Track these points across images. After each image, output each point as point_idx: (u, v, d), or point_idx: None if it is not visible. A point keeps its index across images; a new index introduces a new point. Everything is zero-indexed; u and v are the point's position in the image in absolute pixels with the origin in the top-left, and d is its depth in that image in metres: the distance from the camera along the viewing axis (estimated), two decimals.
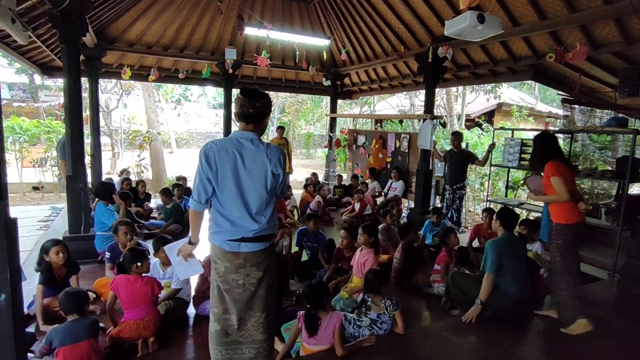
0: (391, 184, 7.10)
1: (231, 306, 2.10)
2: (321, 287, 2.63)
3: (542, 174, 3.03)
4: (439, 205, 6.39)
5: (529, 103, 14.75)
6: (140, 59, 7.92)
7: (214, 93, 24.35)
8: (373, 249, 3.53)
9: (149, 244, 3.83)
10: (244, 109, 2.04)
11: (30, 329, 2.95)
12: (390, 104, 16.74)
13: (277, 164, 2.07)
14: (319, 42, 7.16)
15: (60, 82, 11.75)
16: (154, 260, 3.37)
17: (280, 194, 2.22)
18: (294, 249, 4.39)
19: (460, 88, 12.84)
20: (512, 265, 3.05)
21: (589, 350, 2.69)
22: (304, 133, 22.37)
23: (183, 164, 15.01)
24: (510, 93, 15.52)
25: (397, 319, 2.79)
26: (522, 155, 5.37)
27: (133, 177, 8.71)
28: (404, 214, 6.93)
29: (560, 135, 5.57)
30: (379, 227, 4.56)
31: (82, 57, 5.52)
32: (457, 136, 6.09)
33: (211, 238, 2.10)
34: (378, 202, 7.15)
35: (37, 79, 14.69)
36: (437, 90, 7.54)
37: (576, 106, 6.05)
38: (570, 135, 5.70)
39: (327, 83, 9.23)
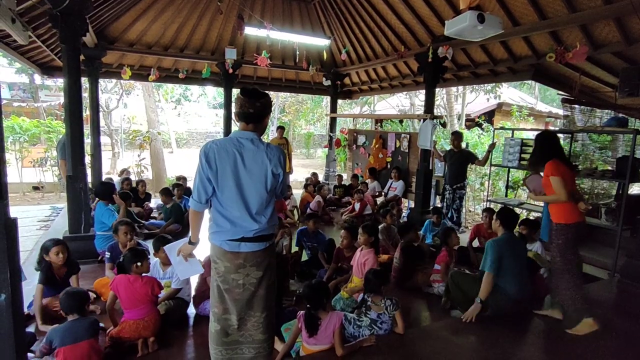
0: (391, 183, 7.10)
1: (231, 306, 2.10)
2: (321, 287, 2.63)
3: (541, 173, 3.03)
4: (439, 205, 6.39)
5: (529, 103, 14.74)
6: (140, 59, 7.92)
7: (214, 93, 24.36)
8: (373, 248, 3.52)
9: (149, 244, 3.83)
10: (244, 109, 2.04)
11: (30, 329, 2.94)
12: (390, 104, 16.74)
13: (277, 163, 2.07)
14: (319, 42, 7.16)
15: (60, 82, 11.76)
16: (154, 260, 3.37)
17: (280, 194, 2.22)
18: (294, 249, 4.39)
19: (460, 88, 12.84)
20: (512, 265, 3.05)
21: (589, 350, 2.69)
22: (304, 133, 22.37)
23: (183, 164, 15.00)
24: (510, 93, 15.51)
25: (397, 319, 2.79)
26: (522, 155, 5.37)
27: (133, 177, 8.71)
28: (404, 214, 6.93)
29: (560, 135, 5.55)
30: (379, 227, 4.56)
31: (82, 57, 5.52)
32: (457, 136, 6.09)
33: (211, 238, 2.10)
34: (378, 202, 7.15)
35: (37, 78, 14.71)
36: (437, 90, 7.54)
37: (576, 106, 6.05)
38: (570, 135, 5.70)
39: (327, 83, 9.23)
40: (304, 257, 4.47)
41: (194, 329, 3.16)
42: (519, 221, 3.91)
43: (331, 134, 9.82)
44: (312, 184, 7.59)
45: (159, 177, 12.13)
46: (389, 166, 7.67)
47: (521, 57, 5.30)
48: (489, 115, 13.51)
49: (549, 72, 5.65)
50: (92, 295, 3.37)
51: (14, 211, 2.08)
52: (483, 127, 11.09)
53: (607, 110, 5.94)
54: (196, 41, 7.60)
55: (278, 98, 18.36)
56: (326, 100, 16.62)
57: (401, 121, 12.47)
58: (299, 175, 13.21)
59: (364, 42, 7.63)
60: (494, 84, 11.65)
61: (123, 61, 7.76)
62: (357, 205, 6.47)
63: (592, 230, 4.58)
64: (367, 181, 7.54)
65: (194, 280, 3.38)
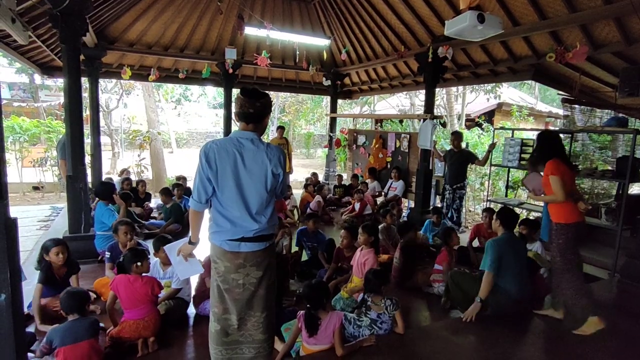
0: (391, 183, 7.11)
1: (231, 306, 2.10)
2: (321, 287, 2.63)
3: (541, 172, 3.03)
4: (439, 205, 6.39)
5: (529, 103, 14.75)
6: (140, 59, 7.92)
7: (214, 93, 24.36)
8: (373, 248, 3.52)
9: (149, 244, 3.83)
10: (244, 109, 2.04)
11: (30, 328, 2.94)
12: (390, 104, 16.74)
13: (277, 163, 2.07)
14: (319, 42, 7.15)
15: (60, 82, 11.76)
16: (154, 260, 3.38)
17: (280, 193, 2.22)
18: (294, 249, 4.39)
19: (460, 88, 12.84)
20: (512, 265, 3.05)
21: (589, 350, 2.69)
22: (304, 133, 22.37)
23: (183, 164, 15.01)
24: (510, 93, 15.51)
25: (397, 318, 2.79)
26: (522, 155, 5.37)
27: (133, 177, 8.70)
28: (404, 214, 6.93)
29: (560, 135, 5.56)
30: (379, 227, 4.56)
31: (82, 57, 5.52)
32: (457, 136, 6.09)
33: (211, 238, 2.10)
34: (378, 202, 7.15)
35: (37, 78, 14.72)
36: (437, 90, 7.54)
37: (576, 106, 6.05)
38: (570, 135, 5.70)
39: (327, 83, 9.23)
40: (304, 257, 4.47)
41: (194, 329, 3.16)
42: (519, 221, 3.91)
43: (331, 134, 9.82)
44: (312, 184, 7.60)
45: (159, 177, 12.13)
46: (389, 166, 7.67)
47: (521, 57, 5.30)
48: (489, 115, 13.51)
49: (549, 72, 5.65)
50: (92, 295, 3.37)
51: (14, 211, 2.08)
52: (483, 127, 11.08)
53: (607, 110, 5.94)
54: (196, 41, 7.60)
55: (278, 98, 18.36)
56: (326, 100, 16.62)
57: (401, 121, 12.47)
58: (299, 175, 13.21)
59: (364, 42, 7.63)
60: (494, 84, 11.65)
61: (123, 61, 7.76)
62: (357, 205, 6.47)
63: (592, 230, 4.58)
64: (367, 181, 7.54)
65: (194, 280, 3.38)
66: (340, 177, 8.58)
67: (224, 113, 8.89)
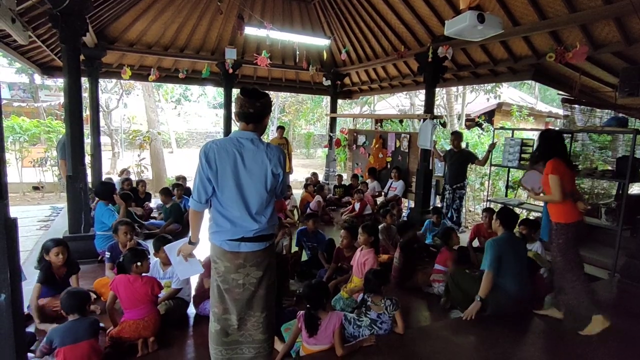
0: (391, 183, 7.10)
1: (231, 306, 2.10)
2: (321, 287, 2.63)
3: (539, 171, 3.03)
4: (439, 205, 6.39)
5: (529, 103, 14.75)
6: (140, 59, 7.92)
7: (214, 93, 24.36)
8: (373, 248, 3.52)
9: (149, 244, 3.83)
10: (244, 109, 2.04)
11: (30, 328, 2.94)
12: (390, 104, 16.74)
13: (277, 163, 2.07)
14: (319, 42, 7.15)
15: (60, 82, 11.76)
16: (154, 260, 3.38)
17: (280, 193, 2.22)
18: (294, 249, 4.39)
19: (460, 88, 12.84)
20: (512, 264, 3.05)
21: (589, 350, 2.69)
22: (304, 133, 22.37)
23: (183, 164, 15.00)
24: (510, 93, 15.51)
25: (397, 318, 2.79)
26: (522, 155, 5.37)
27: (133, 177, 8.71)
28: (404, 214, 6.93)
29: (563, 135, 5.57)
30: (379, 227, 4.56)
31: (82, 57, 5.51)
32: (457, 136, 6.09)
33: (211, 238, 2.10)
34: (378, 202, 7.15)
35: (37, 78, 14.71)
36: (437, 90, 7.54)
37: (576, 106, 6.04)
38: (570, 135, 5.69)
39: (327, 83, 9.23)
40: (304, 257, 4.47)
41: (194, 329, 3.16)
42: (519, 221, 3.91)
43: (331, 134, 9.82)
44: (312, 184, 7.59)
45: (159, 177, 12.13)
46: (389, 166, 7.67)
47: (521, 57, 5.30)
48: (489, 115, 13.51)
49: (549, 72, 5.65)
50: (92, 295, 3.37)
51: (14, 211, 2.08)
52: (483, 127, 11.09)
53: (607, 110, 5.93)
54: (196, 41, 7.60)
55: (278, 98, 18.36)
56: (326, 100, 16.62)
57: (401, 121, 12.47)
58: (299, 175, 13.21)
59: (364, 42, 7.63)
60: (494, 84, 11.65)
61: (123, 61, 7.76)
62: (357, 205, 6.47)
63: (592, 230, 4.58)
64: (367, 181, 7.53)
65: (194, 280, 3.38)
66: (340, 177, 8.58)
67: (224, 113, 8.89)
